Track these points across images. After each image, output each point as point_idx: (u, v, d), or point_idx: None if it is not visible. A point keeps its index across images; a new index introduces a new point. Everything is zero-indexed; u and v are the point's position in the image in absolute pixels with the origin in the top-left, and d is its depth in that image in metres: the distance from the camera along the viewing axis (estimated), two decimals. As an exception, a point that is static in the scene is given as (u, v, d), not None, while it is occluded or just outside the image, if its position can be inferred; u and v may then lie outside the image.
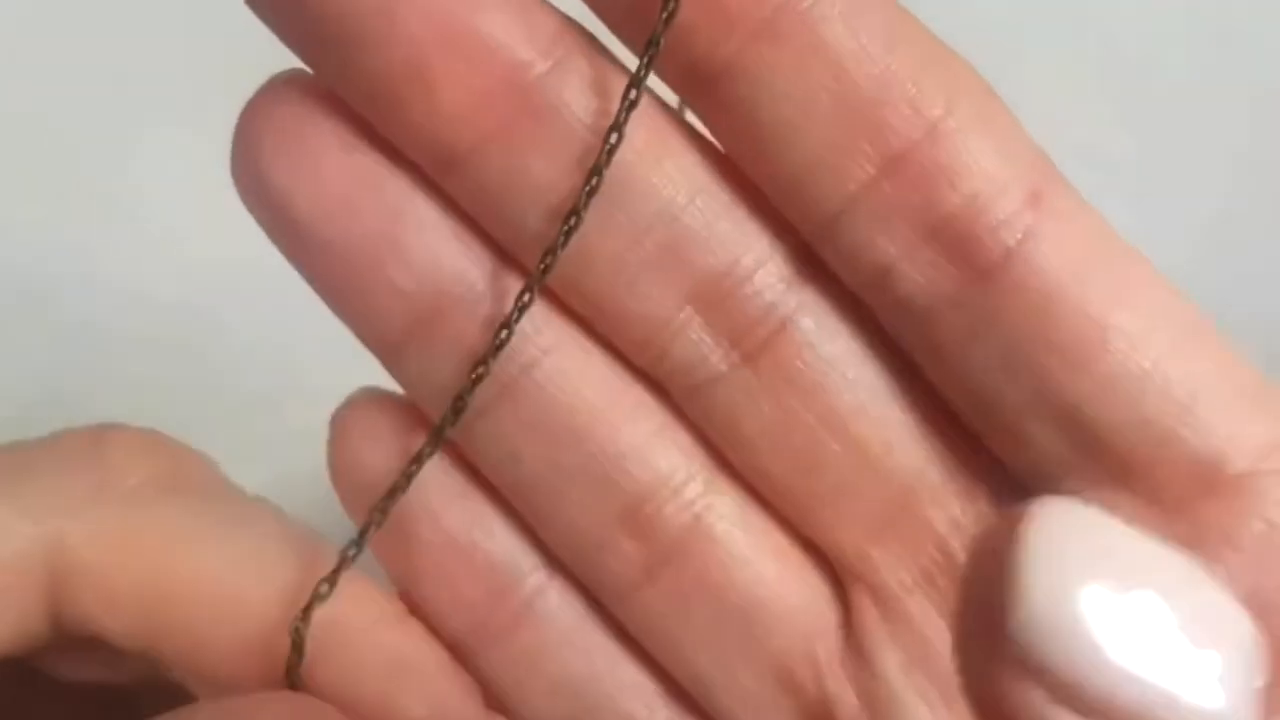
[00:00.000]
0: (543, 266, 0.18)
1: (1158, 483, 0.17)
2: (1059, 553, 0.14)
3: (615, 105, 0.18)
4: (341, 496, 0.21)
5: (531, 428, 0.20)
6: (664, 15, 0.17)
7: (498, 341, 0.19)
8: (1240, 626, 0.14)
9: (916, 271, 0.18)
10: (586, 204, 0.18)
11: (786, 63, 0.18)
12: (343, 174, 0.19)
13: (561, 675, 0.21)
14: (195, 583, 0.20)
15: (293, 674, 0.19)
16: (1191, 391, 0.17)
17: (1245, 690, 0.14)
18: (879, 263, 0.18)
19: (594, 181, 0.18)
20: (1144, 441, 0.17)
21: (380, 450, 0.20)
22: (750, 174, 0.19)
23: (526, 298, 0.18)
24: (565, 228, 0.18)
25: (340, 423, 0.21)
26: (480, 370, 0.19)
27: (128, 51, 0.30)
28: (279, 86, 0.19)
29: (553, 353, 0.20)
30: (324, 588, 0.19)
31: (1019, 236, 0.17)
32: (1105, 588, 0.14)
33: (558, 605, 0.21)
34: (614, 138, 0.18)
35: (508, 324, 0.19)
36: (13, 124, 0.33)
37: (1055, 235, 0.18)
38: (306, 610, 0.19)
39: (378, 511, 0.19)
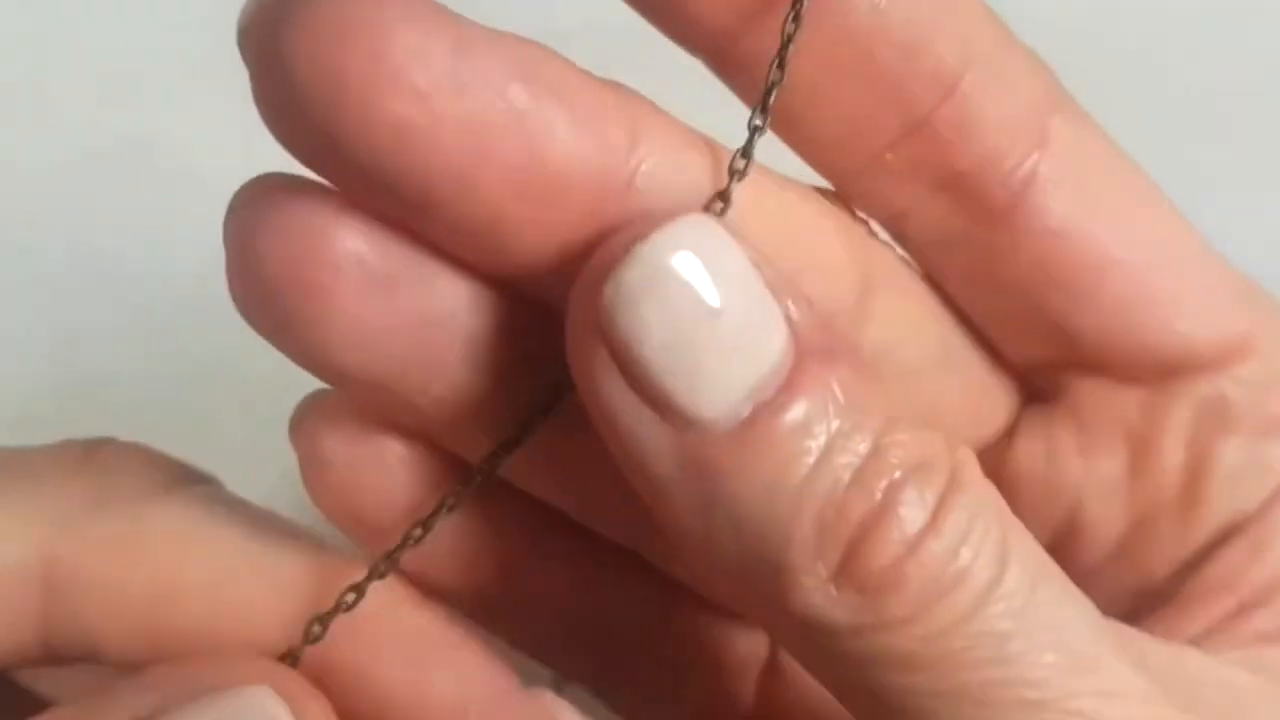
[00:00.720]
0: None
1: (1141, 373, 0.20)
2: (669, 240, 0.16)
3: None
4: (327, 513, 0.20)
5: None
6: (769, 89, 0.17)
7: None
8: (773, 344, 0.16)
9: (929, 216, 0.19)
10: None
11: (818, 45, 0.18)
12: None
13: None
14: (198, 593, 0.19)
15: (292, 658, 0.19)
16: (1180, 306, 0.20)
17: (738, 404, 0.16)
18: (895, 209, 0.20)
19: None
20: (1135, 349, 0.20)
21: (352, 447, 0.19)
22: (780, 134, 0.19)
23: None
24: None
25: (302, 432, 0.20)
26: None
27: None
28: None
29: None
30: (349, 596, 0.18)
31: (1025, 183, 0.19)
32: (683, 274, 0.16)
33: None
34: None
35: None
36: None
37: (1059, 176, 0.19)
38: (327, 615, 0.18)
39: (416, 528, 0.19)
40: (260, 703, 0.17)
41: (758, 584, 0.16)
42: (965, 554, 0.16)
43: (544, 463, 0.19)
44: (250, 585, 0.19)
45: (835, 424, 0.16)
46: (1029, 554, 0.17)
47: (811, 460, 0.16)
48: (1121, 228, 0.20)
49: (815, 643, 0.16)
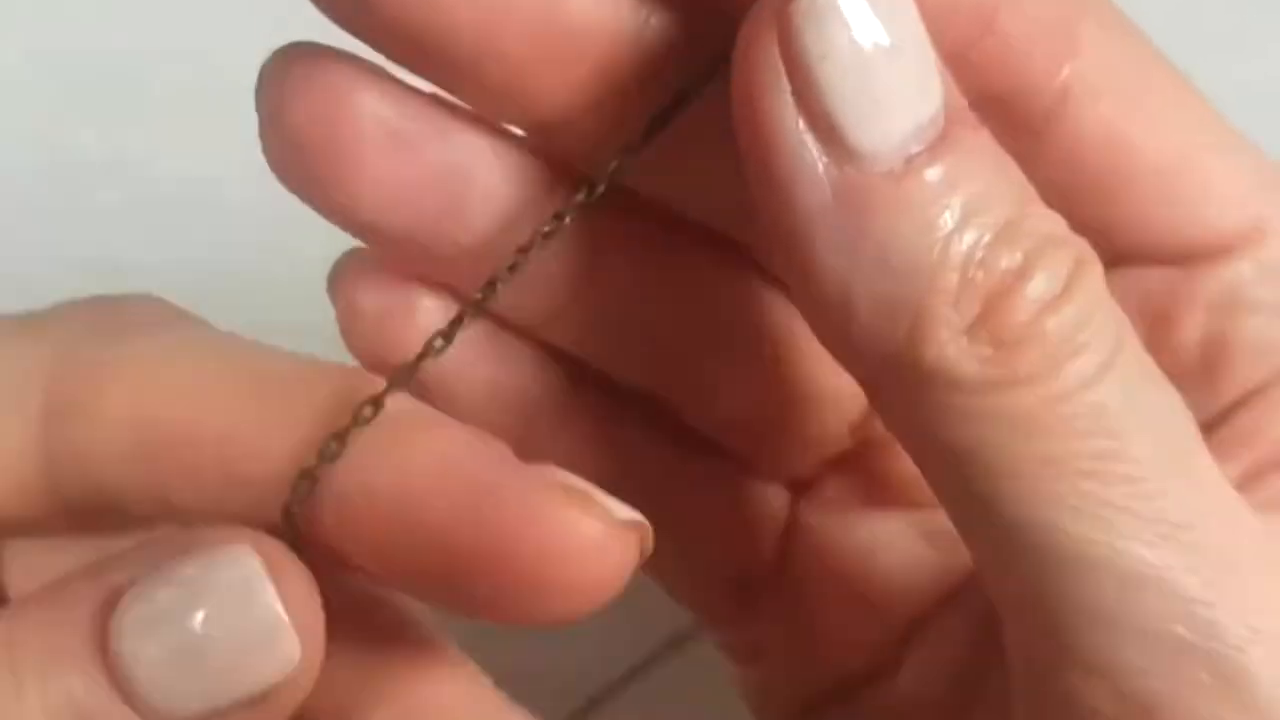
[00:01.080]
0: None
1: (1163, 259, 0.21)
2: None
3: None
4: (363, 361, 0.21)
5: None
6: None
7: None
8: (934, 96, 0.17)
9: None
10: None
11: None
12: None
13: None
14: (211, 418, 0.18)
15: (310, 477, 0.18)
16: (1205, 196, 0.20)
17: (901, 145, 0.17)
18: None
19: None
20: (1160, 240, 0.21)
21: (383, 297, 0.20)
22: None
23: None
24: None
25: (340, 284, 0.21)
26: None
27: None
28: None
29: None
30: (368, 410, 0.17)
31: (1059, 98, 0.19)
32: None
33: None
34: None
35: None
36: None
37: (1091, 85, 0.20)
38: (343, 432, 0.17)
39: (437, 339, 0.18)
40: (238, 561, 0.17)
41: (890, 330, 0.17)
42: (1091, 327, 0.17)
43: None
44: (268, 407, 0.18)
45: (984, 184, 0.17)
46: (1138, 346, 0.18)
47: (959, 213, 0.17)
48: (1152, 129, 0.20)
49: (933, 397, 0.17)
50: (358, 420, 0.17)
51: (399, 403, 0.18)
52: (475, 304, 0.18)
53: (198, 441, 0.18)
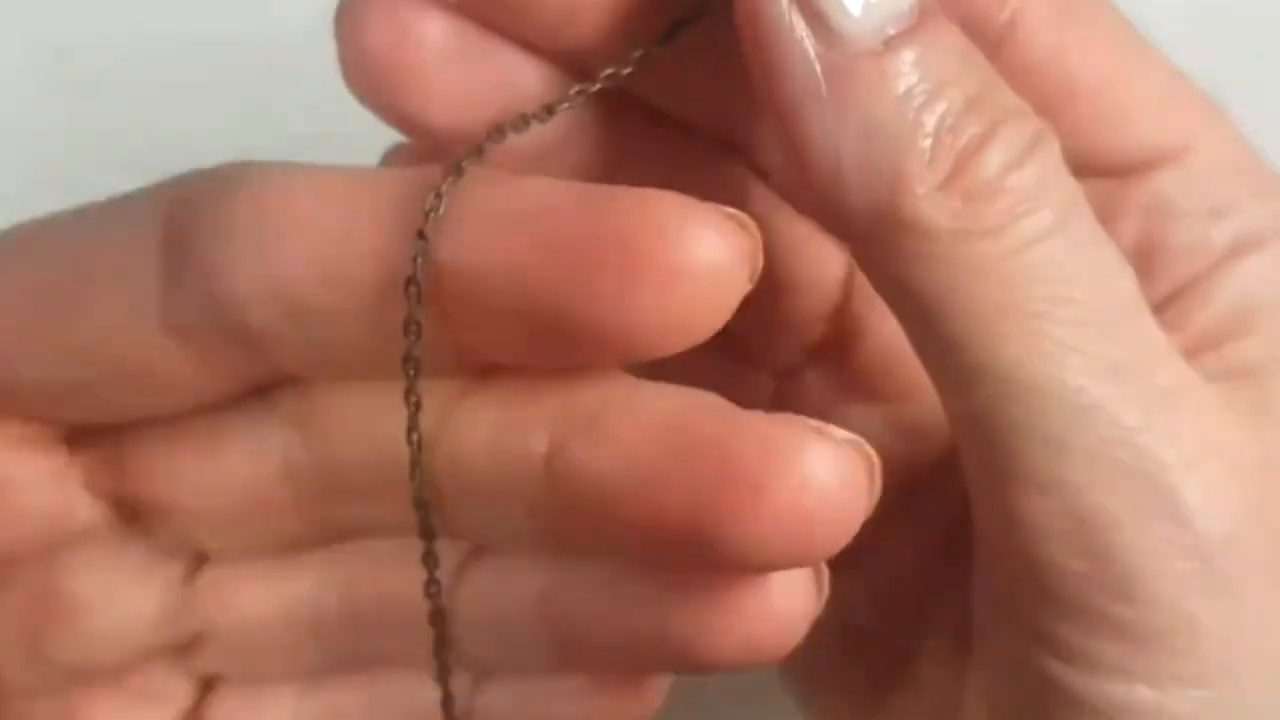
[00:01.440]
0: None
1: (1098, 173, 0.23)
2: None
3: None
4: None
5: None
6: None
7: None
8: None
9: None
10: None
11: None
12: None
13: None
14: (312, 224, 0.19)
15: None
16: (1135, 115, 0.23)
17: (880, 26, 0.19)
18: None
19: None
20: (1096, 155, 0.23)
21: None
22: None
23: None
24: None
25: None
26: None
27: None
28: None
29: None
30: (431, 199, 0.18)
31: (1009, 26, 0.22)
32: None
33: None
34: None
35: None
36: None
37: (1037, 14, 0.22)
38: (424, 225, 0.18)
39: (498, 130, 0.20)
40: None
41: (874, 190, 0.19)
42: (1048, 189, 0.20)
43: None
44: (362, 204, 0.19)
45: (953, 63, 0.20)
46: (1089, 212, 0.20)
47: (932, 87, 0.19)
48: (1089, 56, 0.23)
49: (910, 247, 0.19)
50: (429, 213, 0.18)
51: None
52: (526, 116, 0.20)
53: (320, 229, 0.19)
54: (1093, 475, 0.20)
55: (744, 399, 0.25)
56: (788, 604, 0.19)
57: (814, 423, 0.18)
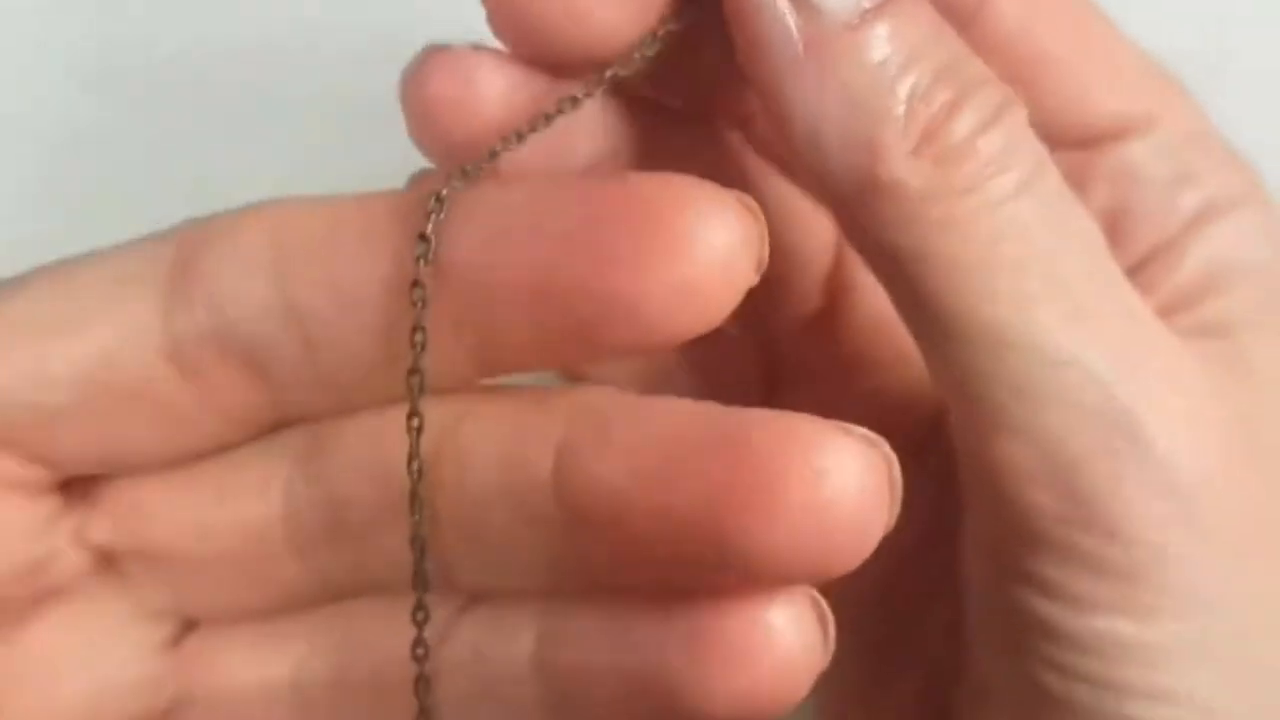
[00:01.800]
0: None
1: (1068, 144, 0.24)
2: None
3: None
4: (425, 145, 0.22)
5: None
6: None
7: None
8: None
9: None
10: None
11: None
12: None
13: None
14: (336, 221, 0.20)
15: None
16: (1101, 87, 0.24)
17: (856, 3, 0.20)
18: None
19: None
20: (1065, 126, 0.24)
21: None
22: None
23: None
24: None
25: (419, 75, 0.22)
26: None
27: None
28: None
29: None
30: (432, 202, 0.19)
31: (977, 6, 0.23)
32: None
33: None
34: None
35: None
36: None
37: None
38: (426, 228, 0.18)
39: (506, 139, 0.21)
40: None
41: (853, 157, 0.20)
42: (1015, 152, 0.21)
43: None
44: (366, 213, 0.20)
45: (924, 36, 0.21)
46: (1057, 174, 0.21)
47: (904, 58, 0.21)
48: (1056, 29, 0.24)
49: (888, 209, 0.21)
50: (430, 214, 0.19)
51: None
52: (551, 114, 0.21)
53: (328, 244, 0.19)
54: (1068, 422, 0.21)
55: (742, 374, 0.26)
56: (793, 654, 0.18)
57: (829, 421, 0.18)
